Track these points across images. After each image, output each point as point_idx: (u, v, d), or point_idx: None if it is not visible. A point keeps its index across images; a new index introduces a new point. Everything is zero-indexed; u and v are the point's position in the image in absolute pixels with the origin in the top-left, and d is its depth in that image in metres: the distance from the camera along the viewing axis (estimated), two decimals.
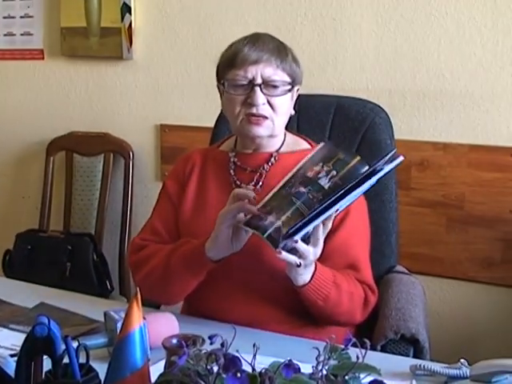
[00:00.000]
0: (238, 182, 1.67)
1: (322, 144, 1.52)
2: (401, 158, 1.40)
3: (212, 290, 1.61)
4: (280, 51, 1.60)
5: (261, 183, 1.65)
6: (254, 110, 1.57)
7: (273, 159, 1.66)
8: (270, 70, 1.57)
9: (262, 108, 1.58)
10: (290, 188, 1.45)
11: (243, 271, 1.56)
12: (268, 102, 1.58)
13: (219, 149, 1.76)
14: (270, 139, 1.65)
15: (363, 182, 1.38)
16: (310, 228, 1.39)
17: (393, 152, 1.46)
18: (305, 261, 1.43)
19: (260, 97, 1.56)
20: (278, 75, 1.58)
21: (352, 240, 1.63)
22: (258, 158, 1.68)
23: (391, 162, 1.40)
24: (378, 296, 1.66)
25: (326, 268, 1.53)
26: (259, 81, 1.57)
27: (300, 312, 1.58)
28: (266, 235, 1.38)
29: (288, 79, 1.60)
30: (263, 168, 1.66)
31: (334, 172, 1.43)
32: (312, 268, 1.48)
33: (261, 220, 1.42)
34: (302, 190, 1.43)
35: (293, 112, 1.67)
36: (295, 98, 1.67)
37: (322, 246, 1.45)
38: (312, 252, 1.43)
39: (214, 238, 1.50)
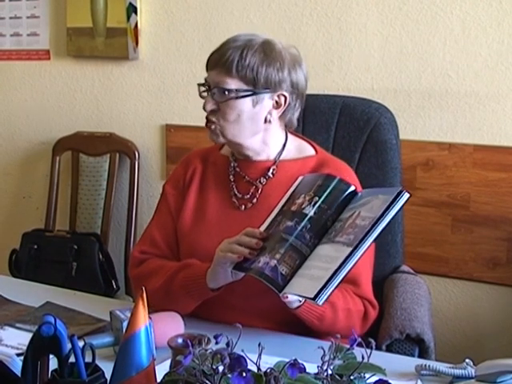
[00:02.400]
0: (236, 191, 1.65)
1: (299, 179, 1.51)
2: (406, 196, 1.36)
3: (214, 304, 1.58)
4: (234, 55, 1.55)
5: (256, 197, 1.63)
6: (206, 115, 1.61)
7: (270, 173, 1.64)
8: (219, 77, 1.57)
9: (211, 113, 1.60)
10: (278, 226, 1.43)
11: (245, 285, 1.53)
12: (219, 107, 1.58)
13: (220, 151, 1.74)
14: (248, 147, 1.62)
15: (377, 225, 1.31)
16: (335, 284, 1.28)
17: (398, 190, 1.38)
18: (290, 302, 1.44)
19: (208, 103, 1.59)
20: (225, 82, 1.56)
21: None
22: (258, 166, 1.65)
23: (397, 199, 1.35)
24: (378, 311, 1.63)
25: None
26: (212, 86, 1.59)
27: (299, 325, 1.55)
28: (263, 276, 1.36)
29: (241, 85, 1.56)
30: (259, 181, 1.64)
31: (316, 198, 1.41)
32: None
33: (253, 262, 1.40)
34: (290, 223, 1.41)
35: (273, 118, 1.60)
36: (271, 104, 1.59)
37: None
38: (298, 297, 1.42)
39: (213, 274, 1.49)
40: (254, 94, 1.57)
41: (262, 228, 1.45)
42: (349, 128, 1.93)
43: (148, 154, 2.99)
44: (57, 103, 3.15)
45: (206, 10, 2.79)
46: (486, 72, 2.37)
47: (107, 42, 2.96)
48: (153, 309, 1.52)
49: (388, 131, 1.91)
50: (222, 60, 1.56)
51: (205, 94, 1.62)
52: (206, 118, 1.61)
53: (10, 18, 3.18)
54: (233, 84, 1.56)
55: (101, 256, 2.84)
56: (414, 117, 2.48)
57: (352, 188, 1.42)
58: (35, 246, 2.90)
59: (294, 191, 1.49)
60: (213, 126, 1.60)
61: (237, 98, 1.56)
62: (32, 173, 3.25)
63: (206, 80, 1.62)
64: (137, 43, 2.90)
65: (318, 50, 2.58)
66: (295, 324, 1.54)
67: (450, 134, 2.44)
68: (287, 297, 1.37)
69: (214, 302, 1.57)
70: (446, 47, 2.41)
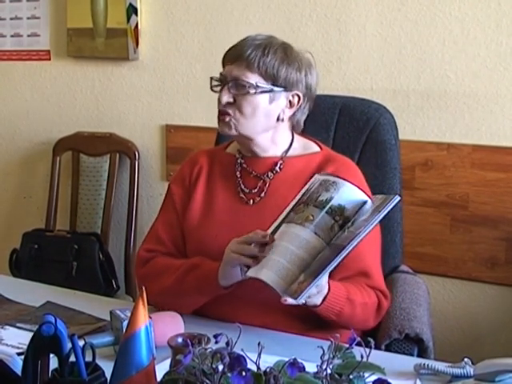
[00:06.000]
0: (243, 187, 1.66)
1: (314, 177, 1.47)
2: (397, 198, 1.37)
3: (222, 298, 1.59)
4: (257, 51, 1.58)
5: (264, 191, 1.64)
6: (220, 107, 1.61)
7: (277, 167, 1.66)
8: (239, 70, 1.59)
9: (226, 105, 1.60)
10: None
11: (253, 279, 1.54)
12: (235, 100, 1.59)
13: (226, 151, 1.76)
14: (258, 143, 1.64)
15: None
16: (316, 283, 1.35)
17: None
18: (310, 299, 1.43)
19: (225, 95, 1.60)
20: (245, 76, 1.58)
21: (364, 247, 1.57)
22: (265, 162, 1.67)
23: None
24: (390, 300, 1.65)
25: (340, 285, 1.51)
26: (229, 79, 1.60)
27: (309, 317, 1.56)
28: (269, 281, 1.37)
29: (261, 81, 1.58)
30: (267, 176, 1.66)
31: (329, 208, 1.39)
32: (323, 292, 1.46)
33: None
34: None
35: (285, 116, 1.63)
36: (285, 103, 1.62)
37: (326, 285, 1.44)
38: (316, 293, 1.42)
39: (224, 273, 1.50)
40: (272, 90, 1.60)
41: (272, 227, 1.44)
42: (348, 128, 1.93)
43: (148, 154, 2.99)
44: (57, 103, 3.16)
45: (206, 10, 2.80)
46: (485, 72, 2.38)
47: (107, 42, 2.97)
48: (157, 309, 1.54)
49: (387, 131, 1.91)
50: (243, 55, 1.58)
51: (217, 88, 1.64)
52: (220, 110, 1.62)
53: (11, 18, 3.19)
54: (253, 79, 1.58)
55: (101, 256, 2.85)
56: (413, 117, 2.48)
57: (365, 199, 1.41)
58: (36, 246, 2.90)
59: (306, 191, 1.46)
60: (227, 118, 1.61)
61: (255, 93, 1.58)
62: (32, 173, 3.26)
63: (221, 74, 1.63)
64: (137, 44, 2.91)
65: (318, 51, 2.58)
66: (306, 313, 1.54)
67: (448, 134, 2.45)
68: (286, 300, 1.36)
69: (223, 296, 1.57)
70: (445, 48, 2.42)
